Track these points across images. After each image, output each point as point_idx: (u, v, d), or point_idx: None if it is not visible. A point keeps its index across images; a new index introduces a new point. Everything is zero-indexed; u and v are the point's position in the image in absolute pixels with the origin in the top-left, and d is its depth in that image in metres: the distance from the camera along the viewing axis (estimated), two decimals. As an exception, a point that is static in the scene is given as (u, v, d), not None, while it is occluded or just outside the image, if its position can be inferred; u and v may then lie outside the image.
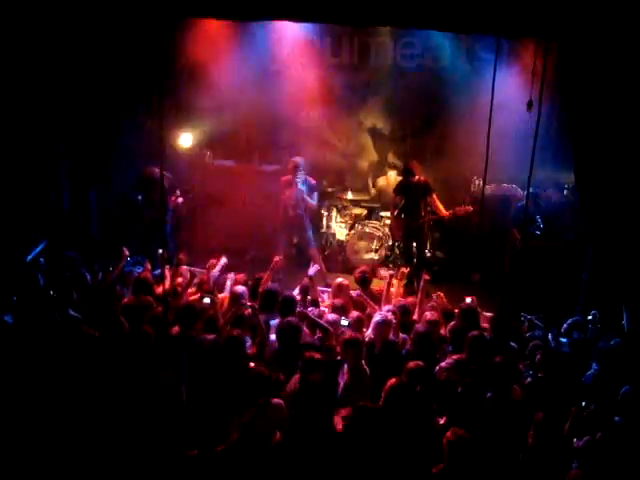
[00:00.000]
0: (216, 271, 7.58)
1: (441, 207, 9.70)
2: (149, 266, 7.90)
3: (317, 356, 5.61)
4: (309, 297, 7.40)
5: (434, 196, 9.69)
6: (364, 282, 7.80)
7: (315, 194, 9.79)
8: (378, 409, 5.23)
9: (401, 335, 6.53)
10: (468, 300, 7.02)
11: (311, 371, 5.49)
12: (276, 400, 5.32)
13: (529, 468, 4.87)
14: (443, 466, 4.83)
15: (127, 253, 7.68)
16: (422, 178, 9.70)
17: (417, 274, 9.36)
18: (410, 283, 8.89)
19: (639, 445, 4.82)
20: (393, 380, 5.34)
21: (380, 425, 5.05)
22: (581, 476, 4.50)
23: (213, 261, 7.71)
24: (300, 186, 9.48)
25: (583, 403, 5.19)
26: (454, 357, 5.91)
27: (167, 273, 6.98)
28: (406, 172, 9.77)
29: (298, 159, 9.62)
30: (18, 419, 5.17)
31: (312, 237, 9.98)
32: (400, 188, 9.89)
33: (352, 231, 10.80)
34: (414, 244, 9.91)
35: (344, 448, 5.04)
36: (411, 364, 5.46)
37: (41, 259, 7.95)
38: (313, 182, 9.75)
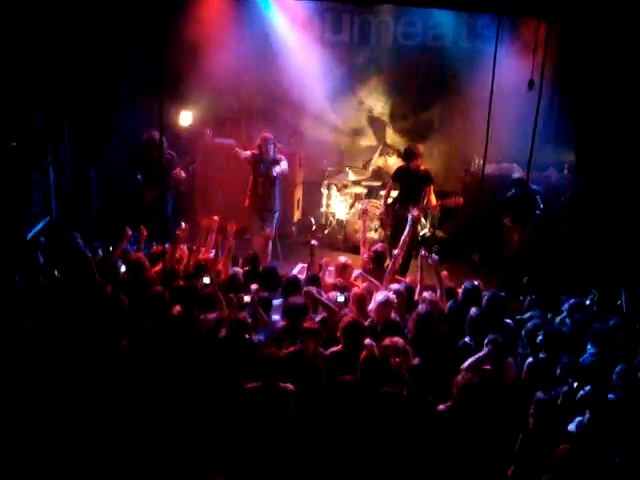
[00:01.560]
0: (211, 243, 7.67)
1: (433, 198, 9.12)
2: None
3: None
4: (309, 273, 7.38)
5: (431, 187, 9.10)
6: (379, 261, 7.62)
7: (283, 163, 9.30)
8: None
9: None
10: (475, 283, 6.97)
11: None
12: (283, 384, 5.31)
13: (529, 447, 4.92)
14: (450, 405, 5.02)
15: (130, 232, 7.70)
16: (423, 167, 9.15)
17: (405, 262, 9.16)
18: (405, 267, 8.70)
19: (632, 422, 4.87)
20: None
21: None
22: (569, 451, 4.55)
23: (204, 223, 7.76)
24: (270, 161, 9.18)
25: (575, 384, 5.22)
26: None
27: (168, 250, 6.98)
28: (408, 154, 9.15)
29: (266, 135, 9.23)
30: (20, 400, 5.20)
31: (277, 218, 9.64)
32: (399, 174, 9.35)
33: (352, 210, 10.81)
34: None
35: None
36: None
37: (42, 238, 7.96)
38: (282, 157, 9.35)
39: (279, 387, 5.25)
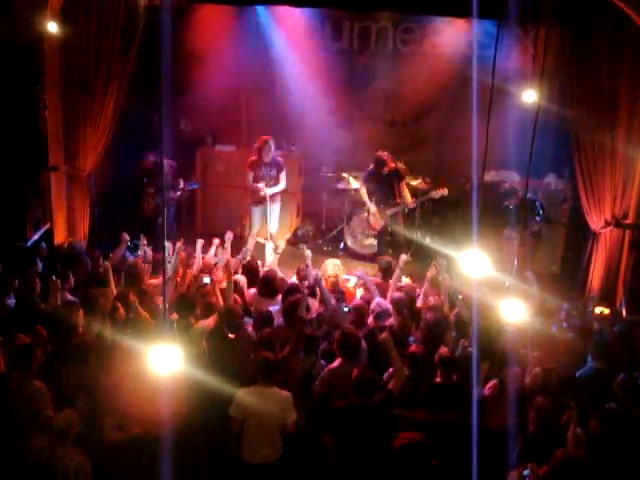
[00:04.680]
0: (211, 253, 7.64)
1: (407, 196, 9.43)
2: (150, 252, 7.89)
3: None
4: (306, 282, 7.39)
5: (403, 183, 9.45)
6: (387, 271, 7.65)
7: (283, 174, 9.38)
8: None
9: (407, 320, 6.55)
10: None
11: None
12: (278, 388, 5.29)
13: (529, 452, 4.91)
14: None
15: (127, 238, 7.70)
16: (393, 165, 9.42)
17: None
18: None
19: (630, 432, 4.86)
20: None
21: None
22: (567, 453, 4.55)
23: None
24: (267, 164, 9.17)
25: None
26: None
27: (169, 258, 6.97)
28: (380, 163, 9.31)
29: (267, 137, 9.24)
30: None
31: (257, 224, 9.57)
32: (368, 177, 9.58)
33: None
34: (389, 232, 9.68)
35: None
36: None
37: (43, 244, 7.97)
38: (281, 161, 9.40)
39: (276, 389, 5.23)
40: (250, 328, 6.18)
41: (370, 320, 6.45)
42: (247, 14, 10.73)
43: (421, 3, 8.59)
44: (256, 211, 9.45)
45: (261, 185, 9.15)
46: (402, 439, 4.82)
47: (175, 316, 6.18)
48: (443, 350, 5.69)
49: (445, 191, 9.25)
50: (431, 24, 10.73)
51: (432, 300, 6.72)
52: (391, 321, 6.38)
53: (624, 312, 7.46)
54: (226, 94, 10.61)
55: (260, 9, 10.62)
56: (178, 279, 7.06)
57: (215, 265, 7.48)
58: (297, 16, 10.74)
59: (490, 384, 5.51)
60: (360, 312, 6.47)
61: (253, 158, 9.26)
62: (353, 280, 8.04)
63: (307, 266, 7.44)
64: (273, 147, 9.20)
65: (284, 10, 10.47)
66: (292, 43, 10.87)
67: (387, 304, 6.49)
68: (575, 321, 6.58)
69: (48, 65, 8.43)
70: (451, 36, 10.71)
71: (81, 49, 8.44)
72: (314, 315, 6.55)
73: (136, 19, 8.42)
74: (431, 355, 5.71)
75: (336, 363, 5.74)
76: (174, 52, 9.33)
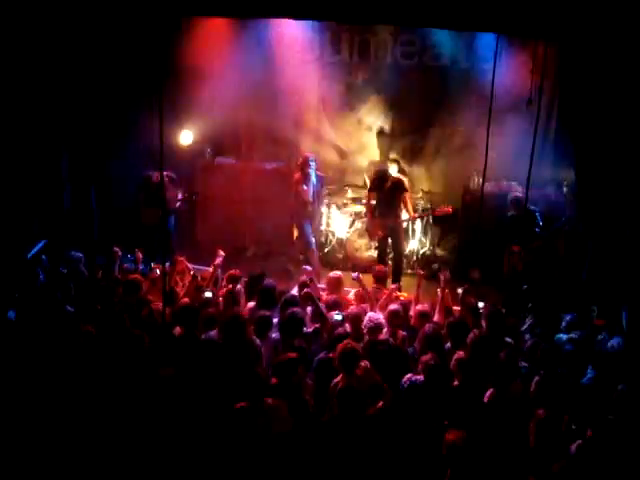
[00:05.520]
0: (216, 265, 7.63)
1: (410, 208, 9.68)
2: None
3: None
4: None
5: (406, 195, 9.61)
6: (382, 280, 7.87)
7: (323, 189, 9.78)
8: None
9: (401, 333, 6.56)
10: (481, 304, 7.04)
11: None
12: (270, 400, 5.27)
13: (529, 466, 4.89)
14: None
15: (119, 253, 7.71)
16: (396, 177, 9.72)
17: (395, 272, 9.57)
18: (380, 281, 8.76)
19: (631, 442, 4.85)
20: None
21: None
22: (565, 466, 4.54)
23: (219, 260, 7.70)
24: (313, 181, 9.49)
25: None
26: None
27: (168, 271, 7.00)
28: (380, 174, 9.70)
29: (308, 154, 9.65)
30: (17, 415, 5.18)
31: (312, 236, 9.93)
32: (374, 185, 9.76)
33: (352, 228, 10.81)
34: (389, 242, 9.79)
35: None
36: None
37: (43, 256, 7.98)
38: (323, 176, 9.76)
39: (266, 405, 5.21)
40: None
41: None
42: (247, 27, 10.76)
43: (420, 16, 8.61)
44: (308, 227, 9.75)
45: (310, 199, 9.50)
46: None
47: (178, 330, 6.18)
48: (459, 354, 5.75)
49: (450, 210, 9.44)
50: (430, 37, 10.78)
51: (420, 307, 6.76)
52: (385, 334, 6.37)
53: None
54: (225, 106, 10.62)
55: (260, 22, 10.66)
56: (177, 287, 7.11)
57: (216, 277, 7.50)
58: (297, 29, 10.78)
59: (488, 393, 5.51)
60: (355, 322, 6.45)
61: (297, 175, 9.56)
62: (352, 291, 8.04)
63: (311, 280, 7.43)
64: (315, 163, 9.56)
65: (283, 23, 10.50)
66: (291, 56, 10.91)
67: (379, 317, 6.47)
68: (576, 333, 6.56)
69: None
70: (451, 49, 10.76)
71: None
72: (310, 329, 6.53)
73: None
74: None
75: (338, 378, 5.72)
76: (174, 65, 9.51)
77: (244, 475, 5.00)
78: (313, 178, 9.48)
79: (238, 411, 5.16)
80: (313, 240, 9.87)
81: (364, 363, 5.75)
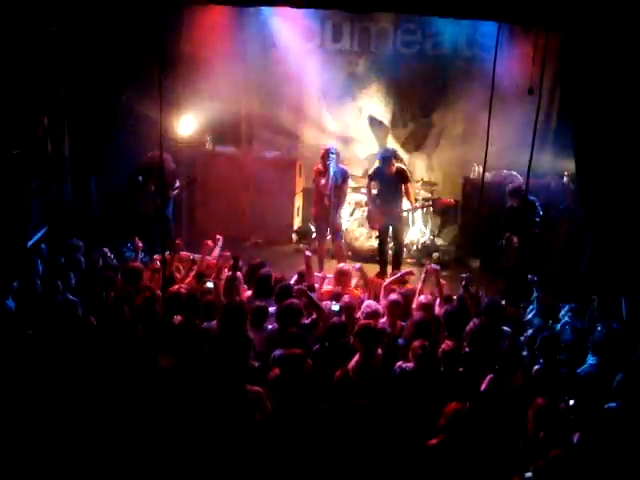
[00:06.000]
0: (215, 254, 7.59)
1: (412, 198, 9.55)
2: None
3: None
4: (305, 283, 7.37)
5: (408, 185, 9.45)
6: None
7: (347, 183, 9.44)
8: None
9: (399, 323, 6.55)
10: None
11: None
12: (251, 386, 5.22)
13: (527, 454, 4.90)
14: (440, 439, 4.83)
15: (140, 244, 7.69)
16: (398, 167, 9.46)
17: (395, 261, 9.55)
18: (382, 272, 8.73)
19: (630, 431, 4.86)
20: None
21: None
22: (561, 455, 4.54)
23: (209, 243, 7.64)
24: (332, 174, 9.05)
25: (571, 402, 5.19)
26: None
27: (168, 259, 6.98)
28: (384, 161, 9.38)
29: (329, 145, 9.32)
30: (17, 405, 5.19)
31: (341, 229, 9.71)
32: (374, 174, 9.60)
33: (352, 217, 10.80)
34: (390, 231, 9.69)
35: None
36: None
37: (42, 245, 7.97)
38: (346, 169, 9.45)
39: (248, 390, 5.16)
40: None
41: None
42: (247, 16, 10.73)
43: (422, 4, 8.57)
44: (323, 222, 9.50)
45: (327, 192, 9.09)
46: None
47: (179, 318, 6.18)
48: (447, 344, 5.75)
49: (453, 202, 9.35)
50: (431, 25, 10.74)
51: (424, 299, 6.73)
52: (383, 322, 6.37)
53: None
54: (225, 95, 10.60)
55: (261, 10, 10.62)
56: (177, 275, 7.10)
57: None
58: (297, 17, 10.75)
59: (487, 379, 5.52)
60: (349, 311, 6.45)
61: (318, 167, 9.28)
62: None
63: (309, 267, 7.42)
64: (336, 155, 9.17)
65: (284, 11, 10.47)
66: (292, 44, 10.88)
67: (376, 305, 6.46)
68: (576, 322, 6.57)
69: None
70: (452, 37, 10.73)
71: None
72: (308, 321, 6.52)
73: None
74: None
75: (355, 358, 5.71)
76: (174, 54, 9.48)
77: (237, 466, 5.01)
78: (331, 171, 9.09)
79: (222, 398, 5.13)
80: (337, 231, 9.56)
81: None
